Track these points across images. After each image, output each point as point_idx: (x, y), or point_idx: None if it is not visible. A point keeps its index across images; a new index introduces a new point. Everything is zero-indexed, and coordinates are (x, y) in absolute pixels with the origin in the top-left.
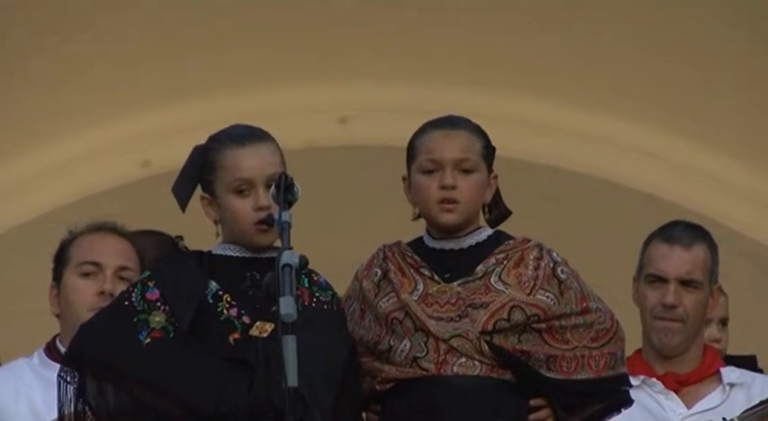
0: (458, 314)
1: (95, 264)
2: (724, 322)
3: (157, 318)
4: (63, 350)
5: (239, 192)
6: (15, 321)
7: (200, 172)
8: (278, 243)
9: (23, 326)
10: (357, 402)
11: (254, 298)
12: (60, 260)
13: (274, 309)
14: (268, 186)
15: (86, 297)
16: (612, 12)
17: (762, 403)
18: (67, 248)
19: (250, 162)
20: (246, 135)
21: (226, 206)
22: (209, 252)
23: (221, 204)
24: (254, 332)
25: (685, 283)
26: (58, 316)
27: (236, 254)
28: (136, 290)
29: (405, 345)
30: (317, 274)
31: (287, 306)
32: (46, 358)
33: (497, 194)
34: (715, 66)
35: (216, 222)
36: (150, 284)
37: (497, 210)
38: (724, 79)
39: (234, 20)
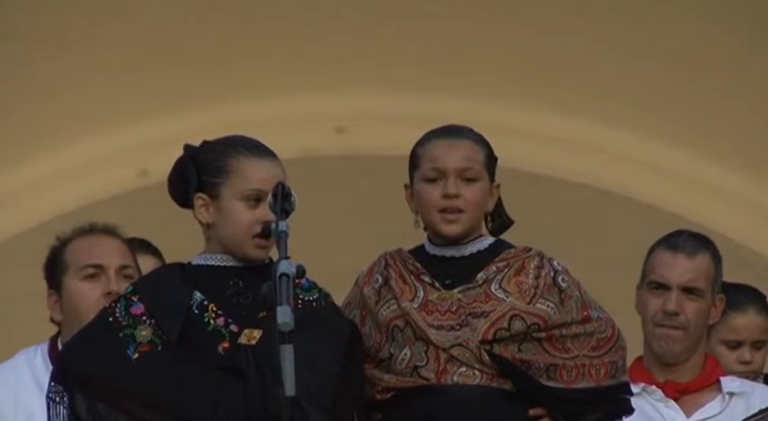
0: (458, 323)
1: (97, 266)
2: (757, 346)
3: (144, 332)
4: None
5: (250, 201)
6: (14, 330)
7: (200, 173)
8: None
9: (22, 335)
10: (360, 392)
11: (240, 305)
12: (56, 267)
13: (261, 315)
14: None
15: (93, 300)
16: (611, 21)
17: (761, 412)
18: (61, 254)
19: (268, 174)
20: (262, 148)
21: (229, 211)
22: (190, 263)
23: (223, 208)
24: (242, 340)
25: (687, 291)
26: (58, 323)
27: (219, 263)
28: (119, 305)
29: (405, 354)
30: None
31: (284, 315)
32: (50, 364)
33: (499, 204)
34: (714, 75)
35: (208, 226)
36: (134, 299)
37: (499, 220)
38: (723, 88)
39: (232, 30)
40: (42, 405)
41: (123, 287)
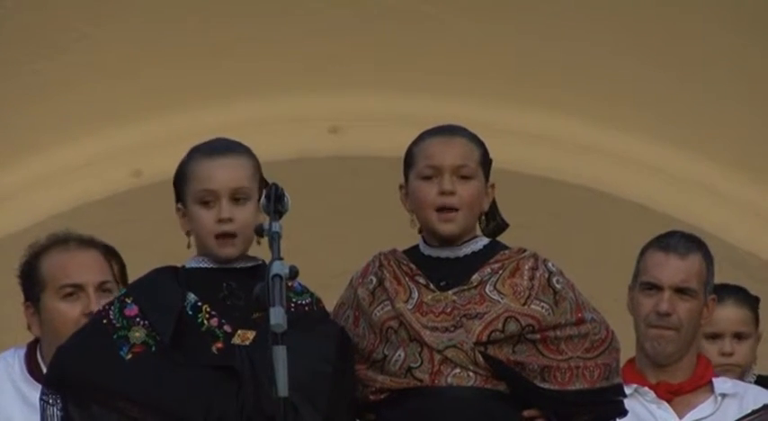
0: (452, 324)
1: (76, 285)
2: (739, 338)
3: (137, 334)
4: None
5: (204, 202)
6: (7, 330)
7: (177, 183)
8: (259, 253)
9: (14, 336)
10: (351, 396)
11: (233, 307)
12: (32, 281)
13: (255, 316)
14: (234, 199)
15: (72, 319)
16: (607, 22)
17: (753, 412)
18: (37, 267)
19: (215, 173)
20: (218, 148)
21: (191, 216)
22: (183, 266)
23: (189, 214)
24: (236, 340)
25: (680, 292)
26: (38, 337)
27: (210, 265)
28: (113, 307)
29: (399, 355)
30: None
31: (277, 316)
32: (28, 375)
33: (494, 205)
34: (709, 76)
35: (188, 234)
36: (128, 301)
37: (494, 223)
38: (718, 90)
39: (226, 30)
40: (22, 410)
41: (103, 303)
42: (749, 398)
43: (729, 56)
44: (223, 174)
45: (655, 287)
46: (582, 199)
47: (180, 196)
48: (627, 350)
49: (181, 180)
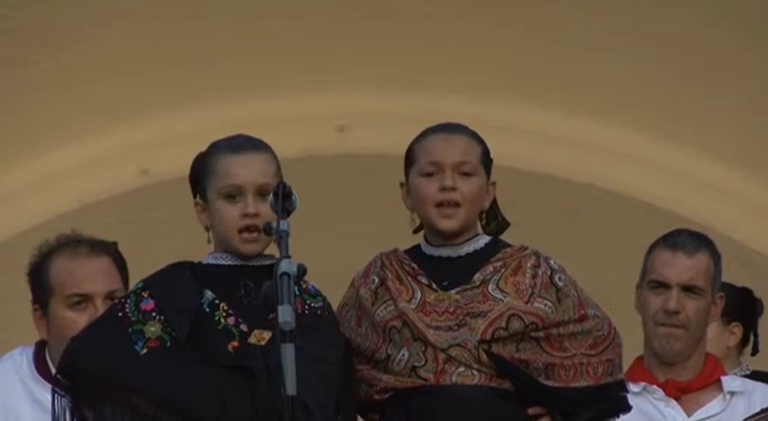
0: (456, 323)
1: (84, 295)
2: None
3: (153, 328)
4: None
5: (229, 197)
6: (14, 330)
7: (197, 178)
8: (268, 251)
9: (21, 336)
10: (353, 402)
11: (250, 306)
12: (40, 284)
13: (271, 316)
14: (259, 195)
15: (80, 326)
16: (610, 21)
17: (763, 411)
18: (45, 271)
19: (242, 169)
20: (243, 143)
21: (214, 211)
22: (200, 262)
23: (212, 209)
24: (252, 340)
25: (688, 290)
26: (45, 340)
27: (228, 262)
28: (129, 301)
29: (403, 355)
30: (305, 282)
31: (285, 314)
32: (37, 374)
33: (495, 204)
34: (713, 74)
35: (207, 229)
36: (144, 295)
37: (495, 222)
38: (724, 88)
39: (232, 29)
40: (30, 409)
41: None
42: (757, 396)
43: (738, 55)
44: (250, 169)
45: (662, 285)
46: (588, 197)
47: (199, 191)
48: (635, 348)
49: (202, 175)
